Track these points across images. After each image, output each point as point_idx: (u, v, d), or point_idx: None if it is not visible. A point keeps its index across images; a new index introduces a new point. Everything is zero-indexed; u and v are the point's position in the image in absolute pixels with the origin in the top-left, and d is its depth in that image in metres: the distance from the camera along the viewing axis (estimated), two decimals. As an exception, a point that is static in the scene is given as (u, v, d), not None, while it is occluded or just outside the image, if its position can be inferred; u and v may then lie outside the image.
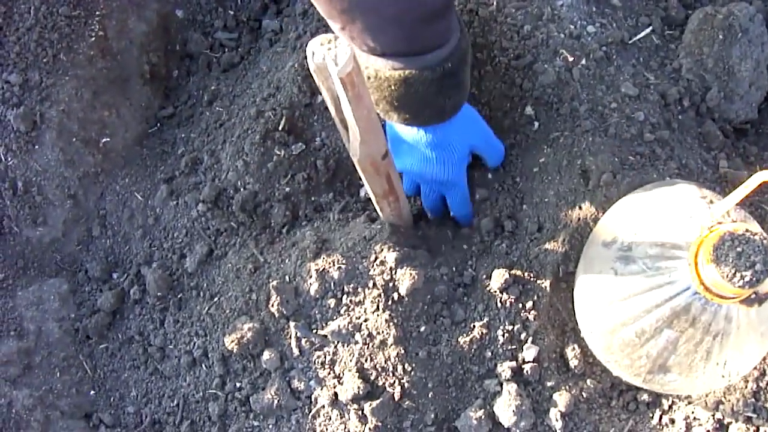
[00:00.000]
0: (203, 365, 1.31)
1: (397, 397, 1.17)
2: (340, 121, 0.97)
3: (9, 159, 1.44)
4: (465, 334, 1.19)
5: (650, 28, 1.40)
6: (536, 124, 1.33)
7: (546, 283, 1.19)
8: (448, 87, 1.10)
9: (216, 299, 1.32)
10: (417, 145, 1.22)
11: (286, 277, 1.26)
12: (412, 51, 1.04)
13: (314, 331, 1.22)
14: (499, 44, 1.36)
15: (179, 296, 1.37)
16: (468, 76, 1.17)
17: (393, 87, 1.08)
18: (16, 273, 1.47)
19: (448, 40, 1.06)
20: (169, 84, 1.62)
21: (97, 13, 1.49)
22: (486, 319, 1.19)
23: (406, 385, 1.17)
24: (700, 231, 0.95)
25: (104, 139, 1.50)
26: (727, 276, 0.91)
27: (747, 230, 0.91)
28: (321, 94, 0.96)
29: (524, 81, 1.33)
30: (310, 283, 1.23)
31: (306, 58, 0.94)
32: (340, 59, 0.83)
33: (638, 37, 1.38)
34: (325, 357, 1.21)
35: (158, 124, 1.57)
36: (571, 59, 1.31)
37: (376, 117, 0.97)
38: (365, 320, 1.19)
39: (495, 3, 1.36)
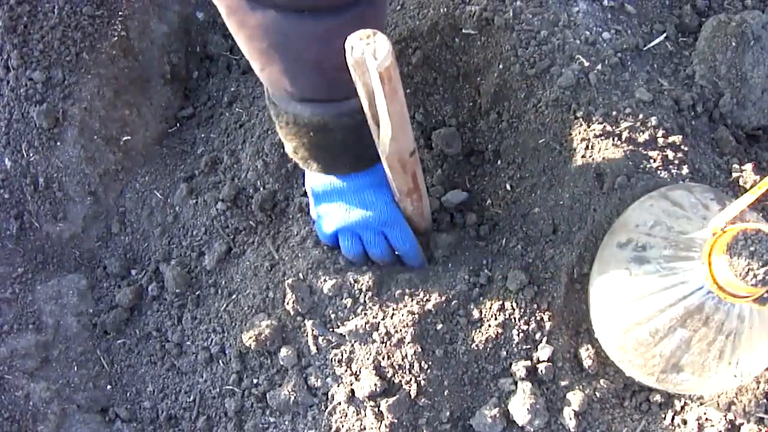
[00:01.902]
0: (220, 361, 1.33)
1: (413, 394, 1.18)
2: (372, 116, 0.98)
3: (31, 155, 1.46)
4: (481, 334, 1.21)
5: (664, 35, 1.42)
6: (551, 127, 1.34)
7: (561, 284, 1.21)
8: (367, 134, 1.06)
9: (234, 296, 1.34)
10: (357, 191, 1.20)
11: (300, 275, 1.28)
12: (332, 97, 1.03)
13: (330, 329, 1.24)
14: (515, 51, 1.37)
15: (197, 293, 1.39)
16: None
17: (312, 134, 1.07)
18: (35, 267, 1.49)
19: None
20: (189, 85, 1.64)
21: (120, 13, 1.51)
22: (501, 319, 1.21)
23: (423, 382, 1.18)
24: (714, 231, 0.97)
25: (125, 138, 1.52)
26: (741, 274, 0.92)
27: (760, 230, 0.93)
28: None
29: (540, 85, 1.35)
30: (324, 281, 1.25)
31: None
32: (379, 53, 0.84)
33: (653, 44, 1.40)
34: (342, 354, 1.22)
35: (178, 124, 1.60)
36: (587, 64, 1.32)
37: (407, 114, 0.98)
38: (383, 318, 1.21)
39: (511, 10, 1.38)
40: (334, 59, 0.93)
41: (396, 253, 1.29)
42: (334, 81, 1.00)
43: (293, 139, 1.09)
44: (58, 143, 1.46)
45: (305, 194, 1.37)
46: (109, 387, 1.42)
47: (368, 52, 0.85)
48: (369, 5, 0.95)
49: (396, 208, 1.23)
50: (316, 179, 1.21)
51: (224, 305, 1.34)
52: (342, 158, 1.13)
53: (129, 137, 1.52)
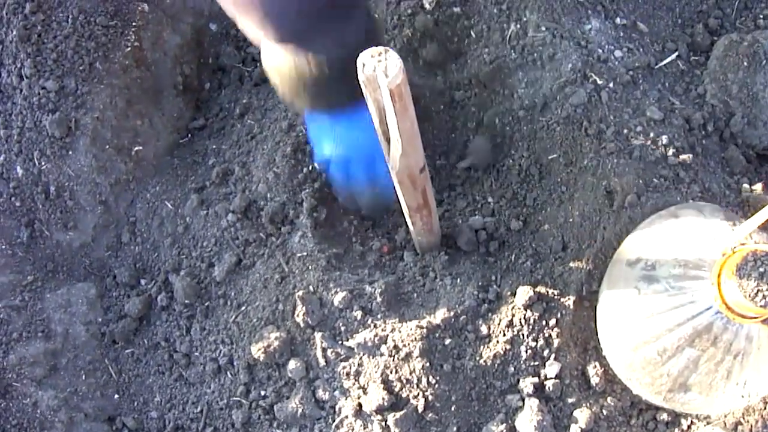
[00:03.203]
0: (228, 373, 1.33)
1: (420, 409, 1.18)
2: (382, 133, 0.99)
3: (43, 164, 1.47)
4: (489, 349, 1.21)
5: (676, 53, 1.43)
6: (562, 144, 1.34)
7: (570, 301, 1.21)
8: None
9: (243, 308, 1.34)
10: (356, 124, 1.21)
11: (311, 287, 1.28)
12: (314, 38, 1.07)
13: (339, 341, 1.24)
14: (526, 66, 1.38)
15: (206, 304, 1.39)
16: None
17: (295, 74, 1.10)
18: (45, 276, 1.49)
19: (349, 26, 1.08)
20: (201, 96, 1.64)
21: (134, 24, 1.52)
22: (510, 335, 1.21)
23: (430, 397, 1.19)
24: (724, 251, 0.97)
25: (136, 148, 1.52)
26: (750, 295, 0.93)
27: (769, 251, 0.93)
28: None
29: (551, 102, 1.35)
30: (335, 293, 1.25)
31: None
32: (390, 71, 0.85)
33: (664, 62, 1.41)
34: (350, 368, 1.22)
35: (189, 135, 1.60)
36: (599, 82, 1.33)
37: (418, 131, 0.99)
38: (391, 332, 1.21)
39: (520, 25, 1.39)
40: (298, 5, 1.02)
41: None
42: (317, 20, 1.05)
43: (287, 82, 1.12)
44: (70, 152, 1.47)
45: (315, 208, 1.38)
46: (116, 396, 1.42)
47: (379, 70, 0.85)
48: None
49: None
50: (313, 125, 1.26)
51: (233, 317, 1.34)
52: (328, 94, 1.15)
53: (140, 147, 1.53)
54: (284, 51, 1.08)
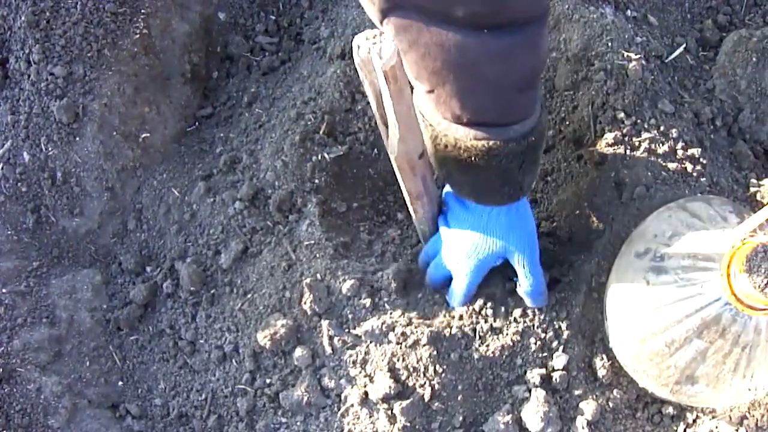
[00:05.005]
0: (233, 360, 1.33)
1: (427, 398, 1.18)
2: (380, 117, 0.99)
3: (50, 149, 1.47)
4: (497, 340, 1.21)
5: (684, 46, 1.43)
6: (572, 136, 1.35)
7: (580, 293, 1.21)
8: (528, 162, 1.03)
9: (249, 296, 1.34)
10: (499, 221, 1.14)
11: (318, 275, 1.28)
12: (501, 120, 0.98)
13: (346, 329, 1.24)
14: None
15: (212, 292, 1.39)
16: (542, 154, 1.10)
17: (474, 158, 0.99)
18: (50, 261, 1.49)
19: (535, 111, 1.00)
20: (209, 84, 1.64)
21: (142, 11, 1.52)
22: (520, 327, 1.21)
23: (437, 386, 1.18)
24: (733, 242, 0.97)
25: (144, 135, 1.52)
26: (759, 287, 0.92)
27: (779, 243, 0.93)
28: (364, 90, 0.97)
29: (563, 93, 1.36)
30: (343, 281, 1.25)
31: (349, 61, 0.96)
32: (385, 53, 0.86)
33: (673, 55, 1.41)
34: (357, 356, 1.22)
35: (197, 123, 1.60)
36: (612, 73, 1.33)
37: (416, 115, 0.99)
38: (398, 320, 1.21)
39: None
40: (513, 77, 0.92)
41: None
42: (505, 103, 0.96)
43: (450, 163, 1.03)
44: (77, 138, 1.47)
45: (325, 198, 1.38)
46: (120, 383, 1.42)
47: (374, 52, 0.86)
48: (541, 25, 0.92)
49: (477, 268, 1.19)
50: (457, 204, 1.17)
51: (239, 304, 1.34)
52: (501, 187, 1.07)
53: (148, 134, 1.53)
54: (472, 131, 0.98)
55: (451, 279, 1.24)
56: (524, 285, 1.19)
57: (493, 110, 0.96)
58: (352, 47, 0.89)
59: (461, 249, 1.18)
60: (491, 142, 0.97)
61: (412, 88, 0.98)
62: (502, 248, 1.16)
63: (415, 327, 1.20)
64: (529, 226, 1.17)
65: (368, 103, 1.39)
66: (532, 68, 0.94)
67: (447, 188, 1.20)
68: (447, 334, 1.20)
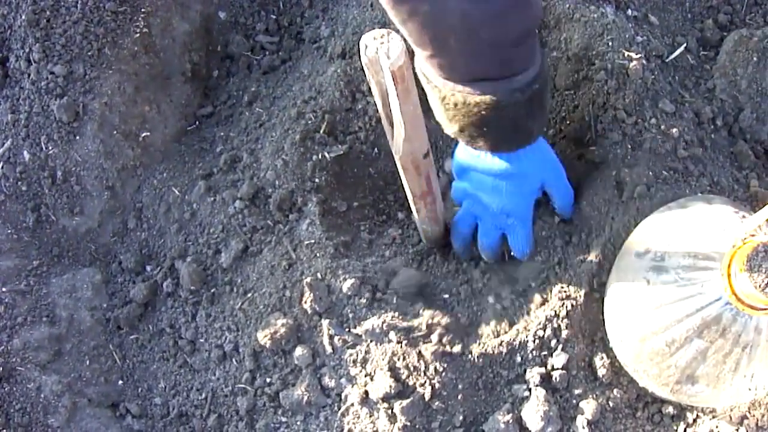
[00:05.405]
0: (233, 360, 1.33)
1: (427, 397, 1.18)
2: (386, 116, 0.99)
3: (50, 148, 1.47)
4: (497, 338, 1.21)
5: (684, 45, 1.43)
6: (572, 134, 1.35)
7: (580, 292, 1.21)
8: (535, 108, 1.07)
9: (249, 295, 1.34)
10: (488, 174, 1.18)
11: (319, 274, 1.28)
12: (503, 74, 1.02)
13: (347, 328, 1.24)
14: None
15: (212, 291, 1.39)
16: (549, 97, 1.14)
17: (484, 112, 1.03)
18: (50, 260, 1.49)
19: (534, 61, 1.04)
20: (209, 83, 1.64)
21: (143, 10, 1.51)
22: (520, 325, 1.21)
23: (437, 385, 1.18)
24: (734, 242, 0.97)
25: (144, 134, 1.52)
26: (760, 286, 0.92)
27: (780, 242, 0.93)
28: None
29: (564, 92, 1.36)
30: (344, 280, 1.25)
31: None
32: (393, 53, 0.86)
33: (674, 55, 1.41)
34: (357, 355, 1.22)
35: (197, 122, 1.60)
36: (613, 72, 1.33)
37: (422, 114, 0.99)
38: (399, 319, 1.21)
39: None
40: (510, 36, 0.96)
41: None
42: (506, 57, 1.00)
43: (461, 119, 1.06)
44: (78, 137, 1.47)
45: (325, 197, 1.38)
46: (120, 382, 1.42)
47: (382, 52, 0.86)
48: None
49: (527, 203, 1.24)
50: (466, 156, 1.20)
51: (239, 303, 1.34)
52: (513, 135, 1.11)
53: (148, 133, 1.53)
54: (479, 87, 1.02)
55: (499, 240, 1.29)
56: (560, 203, 1.28)
57: (495, 67, 1.01)
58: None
59: (479, 207, 1.25)
60: (498, 95, 1.01)
61: (418, 84, 1.00)
62: (538, 181, 1.22)
63: (415, 326, 1.20)
64: (551, 155, 1.23)
65: (369, 102, 1.40)
66: (526, 26, 0.98)
67: (458, 156, 1.22)
68: (447, 334, 1.20)
